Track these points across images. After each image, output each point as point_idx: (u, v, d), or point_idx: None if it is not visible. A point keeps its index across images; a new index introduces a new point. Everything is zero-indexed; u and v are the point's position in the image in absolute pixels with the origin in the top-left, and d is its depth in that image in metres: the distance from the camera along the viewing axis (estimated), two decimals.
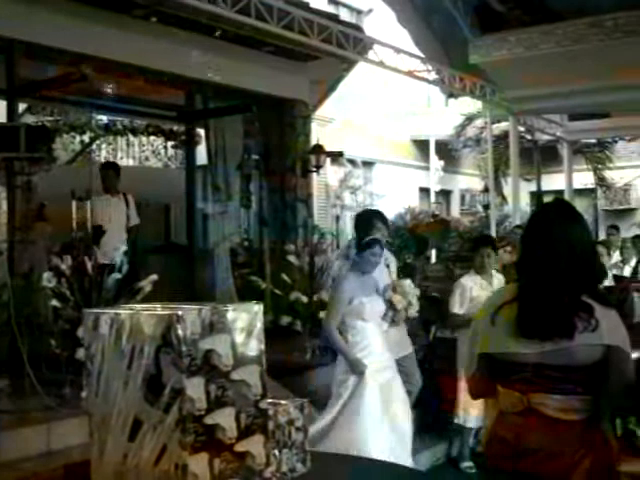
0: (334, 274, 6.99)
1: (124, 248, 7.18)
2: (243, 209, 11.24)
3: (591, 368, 2.80)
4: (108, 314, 2.41)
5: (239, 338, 2.38)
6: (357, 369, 5.70)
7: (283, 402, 2.68)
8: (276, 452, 2.61)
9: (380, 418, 5.66)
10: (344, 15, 16.39)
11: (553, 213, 3.01)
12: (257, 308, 2.46)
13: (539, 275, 2.85)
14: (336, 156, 13.49)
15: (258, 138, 11.04)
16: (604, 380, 2.81)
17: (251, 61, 9.52)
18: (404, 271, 9.38)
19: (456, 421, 6.90)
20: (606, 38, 9.57)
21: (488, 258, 6.85)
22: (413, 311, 6.48)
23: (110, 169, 9.09)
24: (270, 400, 2.56)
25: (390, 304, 6.23)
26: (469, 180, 21.59)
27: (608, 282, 7.13)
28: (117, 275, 6.37)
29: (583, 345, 2.76)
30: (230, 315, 2.36)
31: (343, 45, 8.23)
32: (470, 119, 18.70)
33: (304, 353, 8.35)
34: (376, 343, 5.91)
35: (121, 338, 2.34)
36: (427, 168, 20.07)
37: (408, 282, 6.60)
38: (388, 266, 6.68)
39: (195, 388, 2.21)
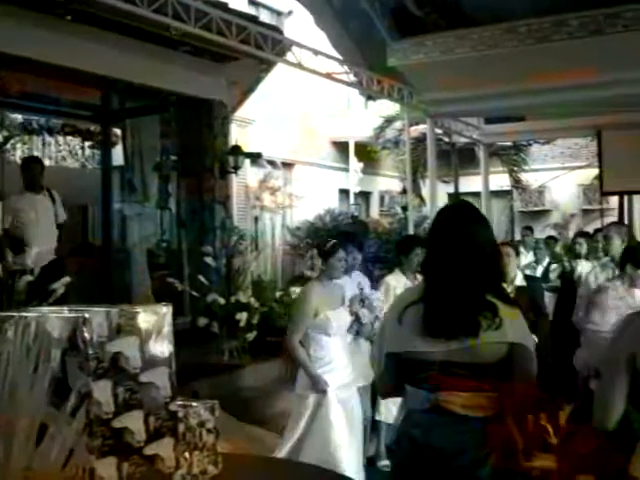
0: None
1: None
2: (161, 210, 11.15)
3: (496, 365, 2.87)
4: (14, 317, 2.37)
5: (148, 340, 2.36)
6: (319, 386, 5.53)
7: (194, 404, 2.67)
8: (187, 454, 2.59)
9: (348, 437, 5.54)
10: (264, 16, 16.36)
11: (456, 214, 3.07)
12: (166, 310, 2.45)
13: (444, 275, 2.91)
14: (255, 157, 13.49)
15: (176, 139, 10.98)
16: (509, 377, 2.89)
17: (168, 61, 9.45)
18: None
19: (377, 418, 6.94)
20: (520, 44, 9.74)
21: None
22: (377, 325, 6.09)
23: (35, 163, 8.78)
24: (180, 402, 2.55)
25: (356, 317, 6.15)
26: (388, 182, 21.78)
27: (520, 282, 7.25)
28: (28, 277, 6.24)
29: (488, 343, 2.83)
30: (139, 317, 2.34)
31: (261, 46, 8.21)
32: (389, 121, 18.87)
33: (221, 355, 8.33)
34: (340, 358, 5.74)
35: (27, 341, 2.30)
36: (347, 170, 20.18)
37: (377, 295, 6.49)
38: (362, 289, 6.53)
39: (102, 391, 2.19)
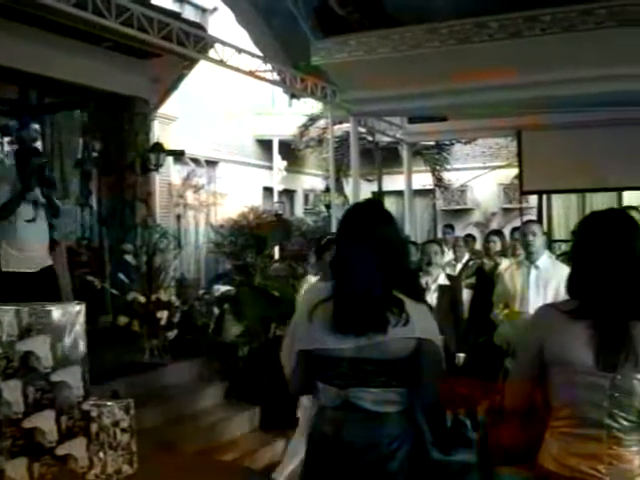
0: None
1: None
2: (81, 207, 10.98)
3: (405, 361, 2.92)
4: None
5: (60, 339, 2.33)
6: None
7: (108, 403, 2.65)
8: (101, 454, 2.57)
9: None
10: (189, 13, 16.26)
11: (362, 213, 3.11)
12: (79, 308, 2.42)
13: (351, 273, 2.94)
14: (178, 155, 13.38)
15: (97, 135, 10.82)
16: (417, 372, 2.94)
17: (89, 57, 9.32)
18: (244, 271, 9.44)
19: (299, 415, 6.96)
20: (441, 44, 9.85)
21: None
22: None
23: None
24: (93, 401, 2.52)
25: None
26: (312, 180, 21.84)
27: (443, 280, 7.35)
28: None
29: (396, 339, 2.87)
30: (50, 316, 2.31)
31: (184, 43, 8.14)
32: (313, 120, 18.91)
33: (142, 353, 8.26)
34: None
35: None
36: (271, 168, 20.19)
37: None
38: None
39: (12, 391, 2.16)
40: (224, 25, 14.07)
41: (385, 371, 2.92)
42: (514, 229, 10.32)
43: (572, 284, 2.87)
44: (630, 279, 2.71)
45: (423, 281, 7.15)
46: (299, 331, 3.09)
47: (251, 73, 9.56)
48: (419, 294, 3.07)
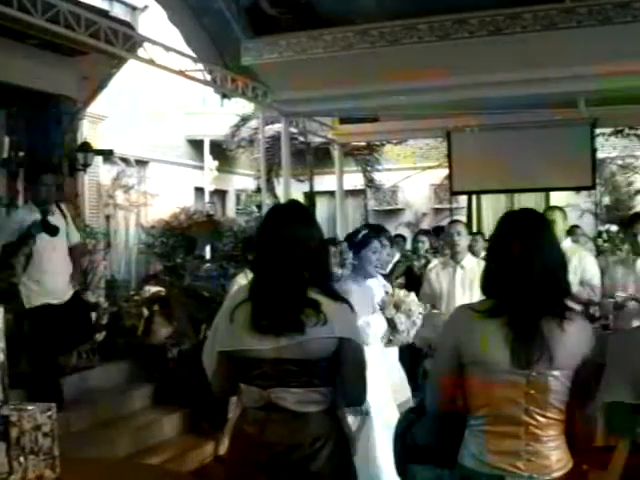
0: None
1: None
2: (7, 208, 10.76)
3: (326, 361, 2.94)
4: None
5: None
6: (361, 410, 4.40)
7: (29, 407, 2.60)
8: (21, 459, 2.53)
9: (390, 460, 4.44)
10: (118, 11, 16.06)
11: (281, 214, 3.13)
12: None
13: (269, 273, 2.96)
14: (107, 154, 13.21)
15: (23, 134, 10.62)
16: (339, 372, 2.95)
17: (14, 54, 9.15)
18: (174, 271, 9.38)
19: (231, 416, 6.91)
20: (372, 46, 9.92)
21: None
22: (413, 333, 5.33)
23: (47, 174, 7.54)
24: (14, 406, 2.48)
25: (390, 323, 5.17)
26: (244, 180, 21.79)
27: None
28: None
29: (316, 339, 2.89)
30: None
31: (112, 41, 8.04)
32: (245, 120, 18.87)
33: (70, 356, 8.13)
34: (380, 372, 4.96)
35: None
36: (202, 168, 20.08)
37: (413, 297, 5.54)
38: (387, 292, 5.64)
39: None
40: (155, 23, 13.92)
41: (306, 371, 2.93)
42: (438, 228, 10.40)
43: (487, 283, 2.93)
44: (540, 277, 2.76)
45: None
46: (220, 332, 3.09)
47: (181, 72, 9.49)
48: (337, 293, 3.08)
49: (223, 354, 3.06)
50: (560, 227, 6.62)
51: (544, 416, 2.74)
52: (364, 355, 3.05)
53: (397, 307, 5.28)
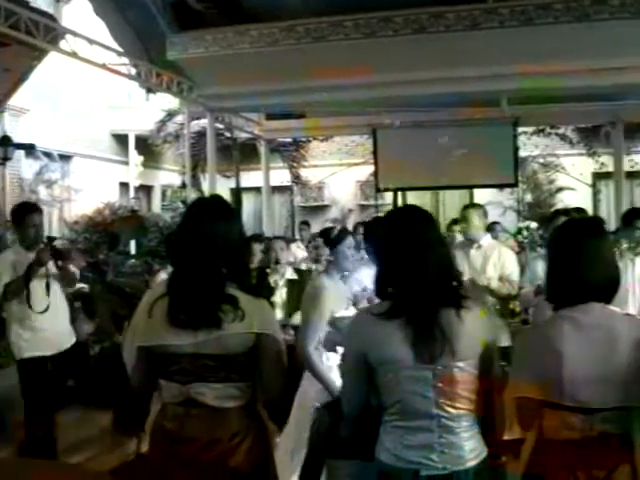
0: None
1: None
2: None
3: (245, 356, 2.94)
4: None
5: None
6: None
7: None
8: None
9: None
10: (41, 2, 15.72)
11: (204, 208, 3.11)
12: None
13: (187, 267, 2.95)
14: (28, 148, 12.99)
15: None
16: (258, 367, 2.96)
17: None
18: (97, 268, 9.25)
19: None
20: (298, 42, 9.96)
21: None
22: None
23: (33, 213, 6.26)
24: None
25: None
26: (170, 176, 21.58)
27: (290, 275, 7.41)
28: None
29: (234, 334, 2.89)
30: None
31: (32, 33, 7.92)
32: (171, 115, 18.67)
33: None
34: None
35: None
36: (127, 163, 19.82)
37: None
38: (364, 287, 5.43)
39: None
40: (81, 15, 13.70)
41: (225, 366, 2.93)
42: (359, 224, 10.45)
43: (379, 286, 2.93)
44: (434, 272, 2.79)
45: (272, 279, 7.20)
46: (139, 327, 3.06)
47: (104, 66, 9.38)
48: (258, 290, 3.09)
49: (142, 349, 3.03)
50: (476, 224, 6.72)
51: (454, 407, 2.78)
52: (283, 351, 3.05)
53: (371, 302, 4.96)
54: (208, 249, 2.91)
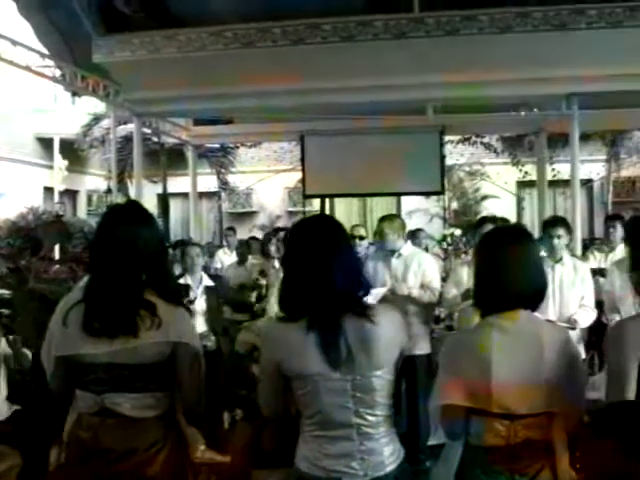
0: None
1: None
2: None
3: (162, 365, 2.91)
4: None
5: None
6: None
7: None
8: None
9: None
10: None
11: (120, 214, 3.07)
12: None
13: (103, 274, 2.91)
14: None
15: None
16: (175, 376, 2.93)
17: None
18: (17, 273, 9.06)
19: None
20: (226, 47, 9.91)
21: None
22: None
23: None
24: None
25: None
26: (96, 181, 21.34)
27: (207, 282, 7.35)
28: None
29: (150, 343, 2.86)
30: None
31: None
32: (97, 119, 18.49)
33: None
34: None
35: None
36: (52, 167, 19.51)
37: (377, 291, 5.72)
38: None
39: None
40: (4, 16, 13.43)
41: (141, 376, 2.89)
42: (278, 230, 10.44)
43: (285, 294, 2.87)
44: (341, 280, 2.75)
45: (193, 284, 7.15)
46: (55, 336, 3.00)
47: (28, 68, 9.20)
48: (176, 297, 3.05)
49: (59, 358, 2.98)
50: (390, 238, 6.72)
51: (374, 415, 2.79)
52: (201, 359, 3.03)
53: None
54: (125, 255, 2.87)
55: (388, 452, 2.82)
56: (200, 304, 7.05)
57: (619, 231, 8.15)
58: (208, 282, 7.28)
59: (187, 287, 7.01)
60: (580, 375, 2.94)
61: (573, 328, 5.85)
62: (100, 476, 2.86)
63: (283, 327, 2.82)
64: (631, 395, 2.78)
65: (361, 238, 8.51)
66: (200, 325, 6.96)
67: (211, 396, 3.51)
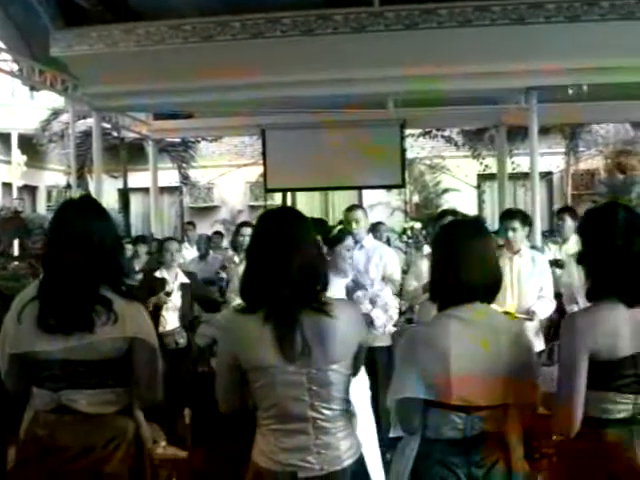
0: None
1: None
2: None
3: (118, 361, 2.89)
4: None
5: None
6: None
7: None
8: None
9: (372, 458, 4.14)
10: None
11: (74, 209, 3.06)
12: None
13: (57, 270, 2.89)
14: None
15: None
16: (132, 372, 2.91)
17: None
18: None
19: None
20: (185, 41, 9.85)
21: None
22: (390, 327, 5.29)
23: None
24: None
25: (366, 319, 4.82)
26: (56, 176, 21.11)
27: (183, 279, 7.31)
28: None
29: (106, 338, 2.84)
30: None
31: None
32: (56, 113, 18.28)
33: None
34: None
35: None
36: (9, 162, 19.31)
37: (387, 291, 5.53)
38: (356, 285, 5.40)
39: None
40: None
41: (98, 372, 2.88)
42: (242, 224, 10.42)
43: (244, 286, 2.85)
44: (298, 273, 2.74)
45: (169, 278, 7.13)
46: (9, 334, 2.97)
47: None
48: (132, 293, 3.03)
49: (13, 356, 2.93)
50: (362, 225, 6.81)
51: (330, 409, 2.78)
52: (157, 355, 3.01)
53: (373, 303, 5.22)
54: (79, 250, 2.85)
55: (345, 447, 2.81)
56: (175, 300, 7.03)
57: (568, 223, 8.24)
58: (184, 279, 7.25)
59: (163, 280, 7.02)
60: (534, 367, 2.96)
61: (531, 319, 5.92)
62: (57, 474, 2.83)
63: (241, 318, 2.80)
64: (581, 387, 2.83)
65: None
66: (174, 321, 6.98)
67: (173, 392, 3.51)
